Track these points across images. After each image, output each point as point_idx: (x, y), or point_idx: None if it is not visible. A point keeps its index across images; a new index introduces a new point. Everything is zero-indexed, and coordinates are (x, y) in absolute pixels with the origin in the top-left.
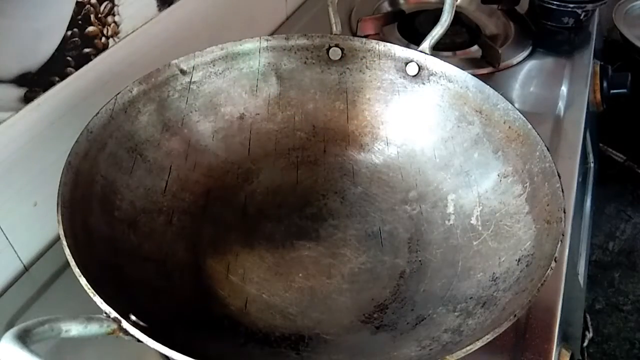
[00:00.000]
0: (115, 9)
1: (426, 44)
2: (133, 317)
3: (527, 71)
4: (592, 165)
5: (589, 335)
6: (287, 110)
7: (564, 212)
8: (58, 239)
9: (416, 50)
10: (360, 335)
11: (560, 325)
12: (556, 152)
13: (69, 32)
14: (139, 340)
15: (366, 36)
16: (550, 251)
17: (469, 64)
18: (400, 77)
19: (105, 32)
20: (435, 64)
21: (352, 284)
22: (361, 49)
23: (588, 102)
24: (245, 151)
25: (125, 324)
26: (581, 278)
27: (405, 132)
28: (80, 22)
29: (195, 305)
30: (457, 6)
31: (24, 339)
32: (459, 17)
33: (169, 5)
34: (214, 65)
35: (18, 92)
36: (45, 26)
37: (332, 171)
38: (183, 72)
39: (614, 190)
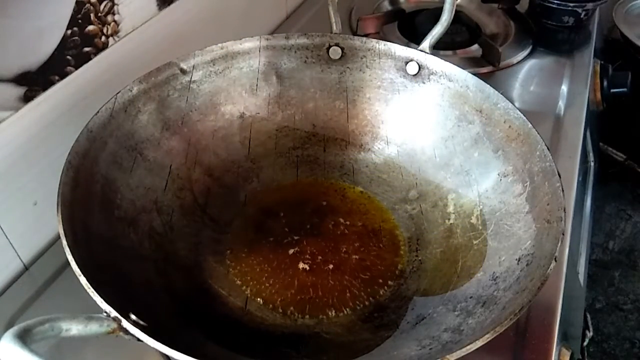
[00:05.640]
0: (115, 7)
1: (426, 43)
2: (133, 316)
3: (527, 70)
4: (592, 164)
5: (589, 334)
6: (287, 109)
7: (564, 211)
8: (58, 238)
9: (416, 49)
10: (361, 334)
11: (560, 324)
12: (556, 151)
13: (69, 31)
14: (139, 340)
15: (366, 35)
16: (550, 250)
17: (469, 63)
18: (400, 76)
19: (105, 31)
20: (436, 63)
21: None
22: (361, 48)
23: (588, 101)
24: (245, 150)
25: (125, 323)
26: (581, 277)
27: (405, 131)
28: (80, 21)
29: (195, 305)
30: (457, 5)
31: (24, 338)
32: (459, 16)
33: (168, 4)
34: (214, 65)
35: (18, 91)
36: (45, 25)
37: (332, 170)
38: (183, 71)
39: (614, 189)
